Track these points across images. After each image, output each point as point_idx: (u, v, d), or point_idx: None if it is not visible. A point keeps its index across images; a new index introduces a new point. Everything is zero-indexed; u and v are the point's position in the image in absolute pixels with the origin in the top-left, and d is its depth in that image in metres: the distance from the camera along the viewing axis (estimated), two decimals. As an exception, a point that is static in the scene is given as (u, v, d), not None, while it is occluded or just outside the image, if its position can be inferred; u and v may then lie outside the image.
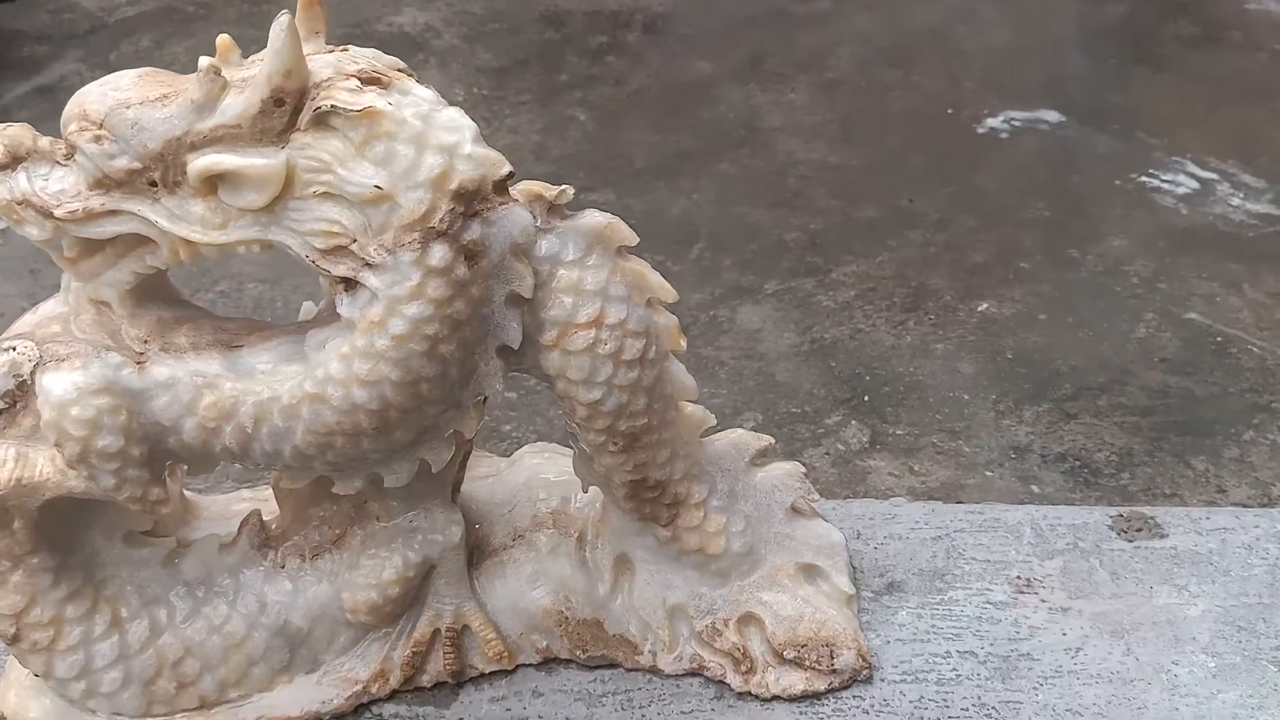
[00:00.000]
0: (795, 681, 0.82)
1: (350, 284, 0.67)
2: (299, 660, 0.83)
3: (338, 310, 0.69)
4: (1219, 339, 1.33)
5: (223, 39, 0.68)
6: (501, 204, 0.68)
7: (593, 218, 0.73)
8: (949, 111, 1.85)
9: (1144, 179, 1.66)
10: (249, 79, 0.66)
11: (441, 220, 0.65)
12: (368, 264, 0.66)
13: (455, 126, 0.67)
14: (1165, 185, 1.64)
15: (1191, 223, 1.56)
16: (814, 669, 0.82)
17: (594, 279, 0.72)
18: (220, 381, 0.70)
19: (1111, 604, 0.87)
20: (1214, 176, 1.66)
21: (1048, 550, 0.92)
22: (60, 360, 0.69)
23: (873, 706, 0.82)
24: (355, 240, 0.66)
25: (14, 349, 0.70)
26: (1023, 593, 0.89)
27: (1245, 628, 0.85)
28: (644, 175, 1.73)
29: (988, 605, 0.88)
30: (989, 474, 1.14)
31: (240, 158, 0.64)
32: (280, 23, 0.63)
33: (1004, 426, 1.20)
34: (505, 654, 0.84)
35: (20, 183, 0.68)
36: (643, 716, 0.82)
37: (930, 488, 1.11)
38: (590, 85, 2.00)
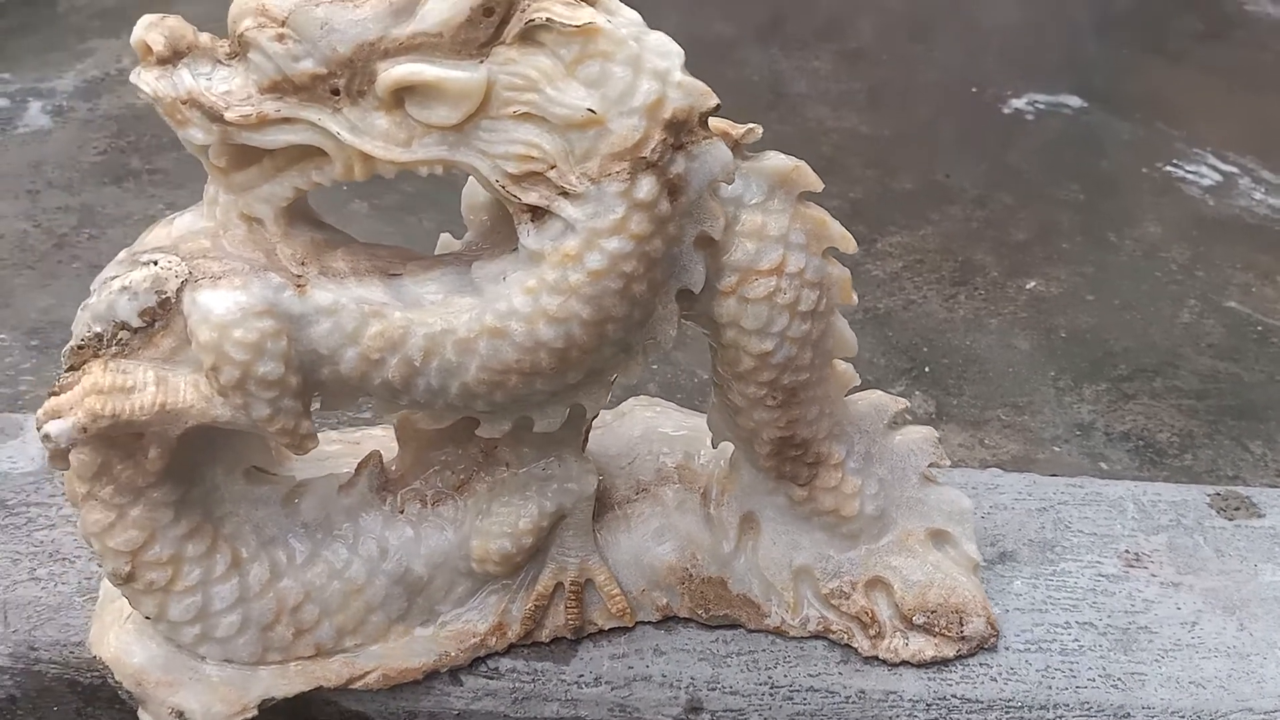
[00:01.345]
0: (924, 647, 0.81)
1: (538, 213, 0.63)
2: (415, 610, 0.79)
3: (521, 241, 0.64)
4: (1260, 328, 1.36)
5: None
6: (705, 139, 0.65)
7: (778, 159, 0.70)
8: (973, 90, 1.86)
9: (1169, 168, 1.69)
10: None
11: (653, 151, 0.62)
12: (564, 193, 0.62)
13: (666, 51, 0.63)
14: (1190, 176, 1.67)
15: (1219, 213, 1.59)
16: (943, 635, 0.81)
17: (776, 224, 0.70)
18: (388, 310, 0.65)
19: (1220, 580, 0.89)
20: (1235, 170, 1.69)
21: (1152, 526, 0.93)
22: (216, 278, 0.64)
23: (1000, 675, 0.81)
24: (553, 166, 0.62)
25: (155, 262, 0.65)
26: (1133, 566, 0.89)
27: (1351, 607, 0.87)
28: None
29: (1100, 578, 0.88)
30: (1056, 449, 1.15)
31: (440, 69, 0.60)
32: (505, -67, 0.59)
33: (1066, 403, 1.21)
34: (627, 610, 0.82)
35: (185, 80, 0.62)
36: (769, 678, 0.81)
37: (1001, 460, 1.12)
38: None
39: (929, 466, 0.83)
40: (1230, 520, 0.94)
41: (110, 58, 1.78)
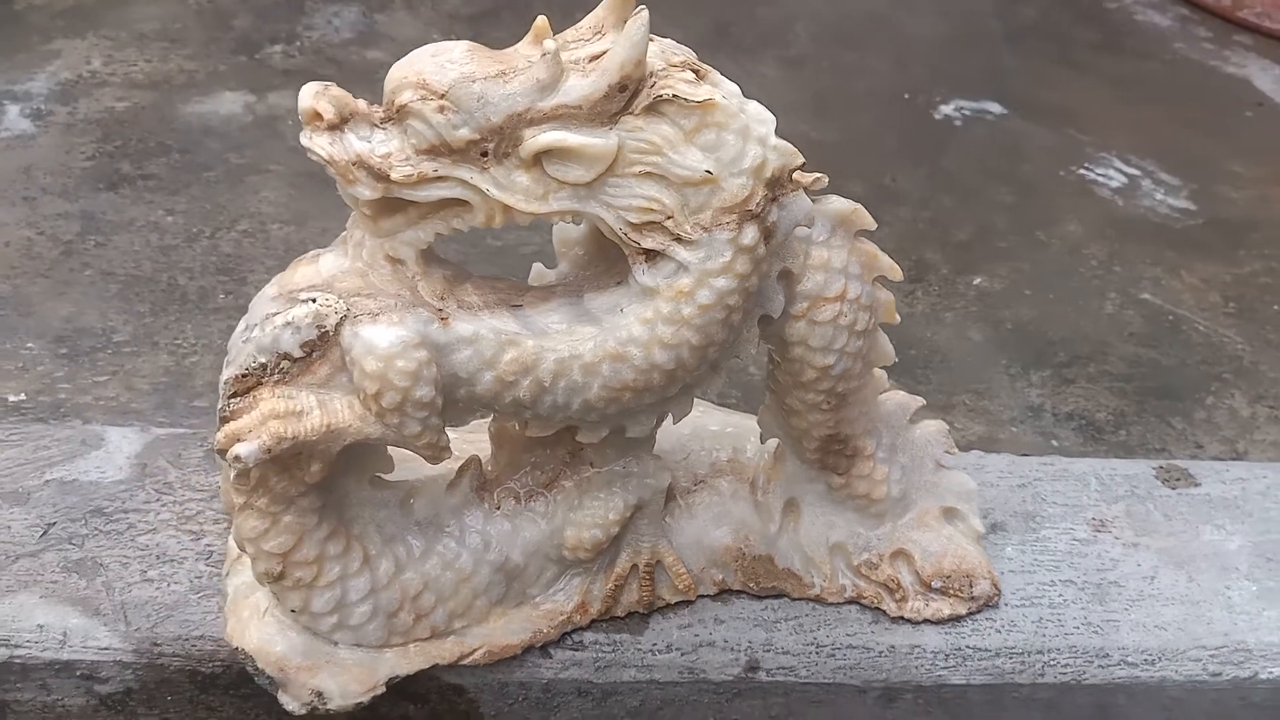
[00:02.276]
0: (942, 607, 0.96)
1: (651, 255, 0.75)
2: (512, 594, 0.89)
3: (636, 277, 0.75)
4: (1171, 317, 1.56)
5: (541, 21, 0.73)
6: (792, 190, 0.77)
7: (839, 203, 0.83)
8: (905, 96, 2.02)
9: (1082, 171, 1.88)
10: (578, 60, 0.72)
11: (756, 205, 0.74)
12: (678, 239, 0.74)
13: (764, 119, 0.75)
14: (1100, 178, 1.87)
15: (1128, 213, 1.79)
16: (956, 596, 0.96)
17: (838, 258, 0.82)
18: (521, 338, 0.75)
19: (1169, 540, 1.06)
20: (1137, 173, 1.89)
21: (1111, 496, 1.10)
22: (374, 315, 0.73)
23: (1003, 627, 0.97)
24: (670, 217, 0.73)
25: (314, 300, 0.74)
26: (1099, 531, 1.06)
27: (1273, 558, 1.05)
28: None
29: (1074, 542, 1.05)
30: (1014, 430, 1.31)
31: (580, 136, 0.70)
32: (641, 18, 0.70)
33: (1018, 389, 1.38)
34: (692, 586, 0.94)
35: (353, 144, 0.71)
36: (814, 639, 0.94)
37: (970, 440, 1.27)
38: (568, 42, 2.04)
39: (950, 452, 0.98)
40: (1173, 489, 1.11)
41: (79, 59, 1.78)
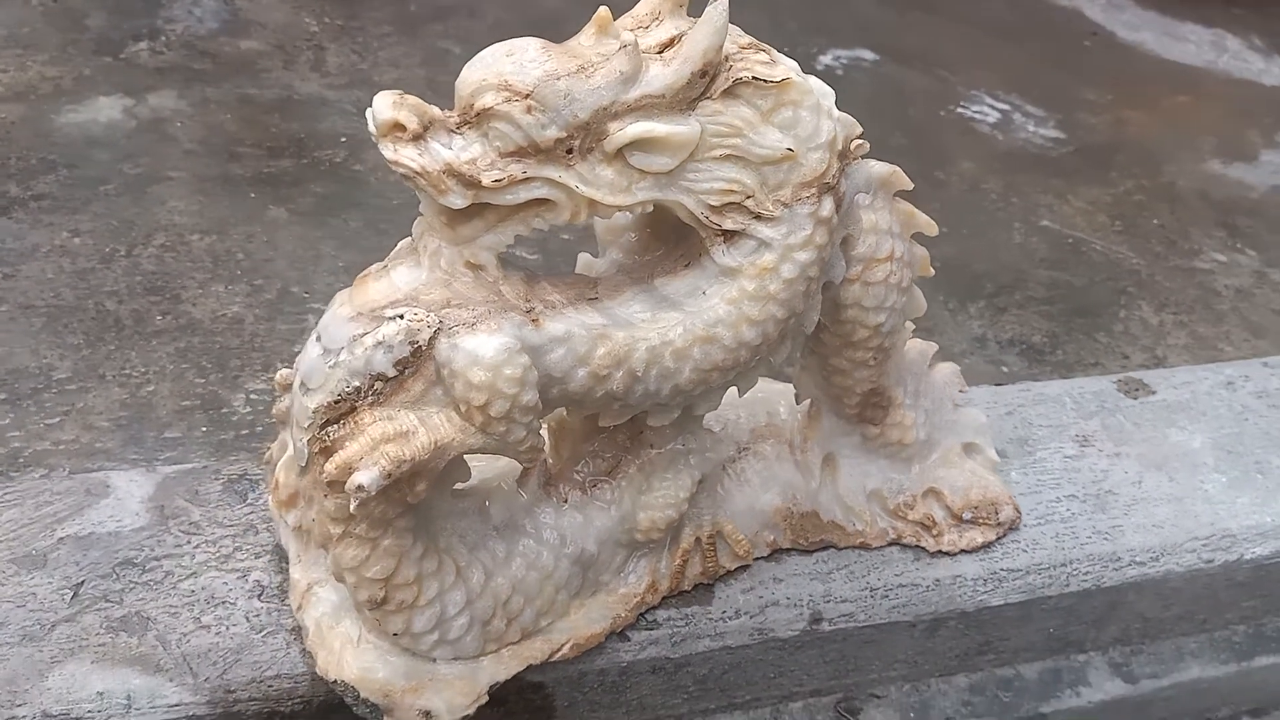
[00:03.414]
0: (975, 536, 1.02)
1: (729, 235, 0.76)
2: (587, 584, 0.89)
3: (715, 259, 0.76)
4: (1070, 240, 1.68)
5: (604, 12, 0.72)
6: (854, 160, 0.79)
7: (881, 166, 0.85)
8: (784, 49, 2.07)
9: (959, 110, 1.99)
10: (647, 49, 0.72)
11: (833, 176, 0.76)
12: (758, 217, 0.75)
13: (827, 93, 0.77)
14: (977, 115, 1.98)
15: (1009, 146, 1.91)
16: (985, 524, 1.02)
17: (884, 219, 0.85)
18: (610, 331, 0.75)
19: (1144, 446, 1.16)
20: (1007, 108, 2.02)
21: (1086, 412, 1.19)
22: (471, 325, 0.71)
23: (1028, 546, 1.04)
24: (750, 196, 0.74)
25: (402, 316, 0.71)
26: (1085, 446, 1.15)
27: (1233, 450, 1.17)
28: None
29: (1066, 459, 1.13)
30: (967, 361, 1.40)
31: (667, 125, 0.70)
32: (720, 5, 0.70)
33: (960, 322, 1.46)
34: (749, 551, 0.97)
35: (441, 152, 0.68)
36: (866, 583, 0.99)
37: (932, 377, 1.34)
38: (447, 16, 1.99)
39: (962, 390, 1.04)
40: (1135, 399, 1.21)
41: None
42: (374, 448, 0.70)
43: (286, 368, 0.88)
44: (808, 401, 0.98)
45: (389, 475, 0.69)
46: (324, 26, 1.90)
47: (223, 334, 1.27)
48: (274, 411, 0.88)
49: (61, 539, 0.90)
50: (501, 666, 0.85)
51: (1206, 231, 1.74)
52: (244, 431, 1.16)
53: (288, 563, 0.89)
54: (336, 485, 0.70)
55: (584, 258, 0.88)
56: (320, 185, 1.53)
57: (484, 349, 0.70)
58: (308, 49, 1.83)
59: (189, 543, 0.92)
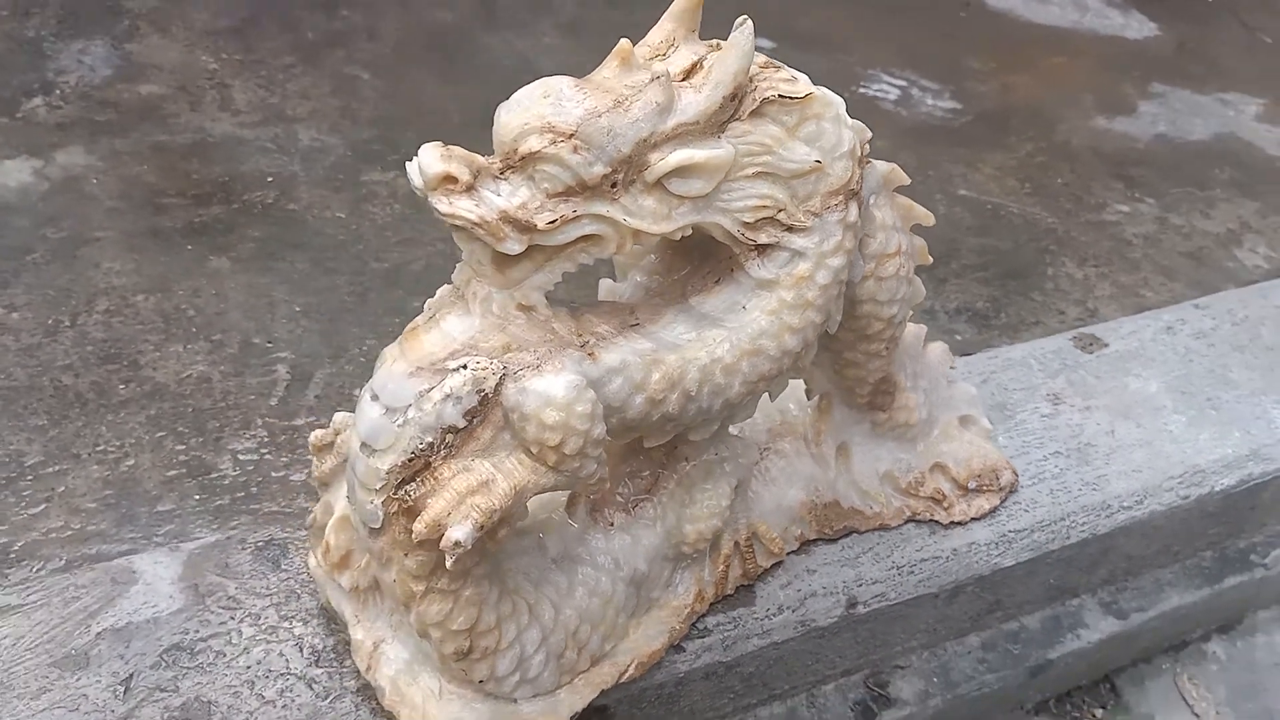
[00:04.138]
0: (981, 504, 1.08)
1: (763, 248, 0.78)
2: (641, 603, 0.91)
3: (750, 273, 0.78)
4: (989, 206, 1.76)
5: (626, 44, 0.73)
6: (867, 162, 0.83)
7: (882, 164, 0.89)
8: (687, 44, 2.10)
9: (861, 89, 2.06)
10: (675, 76, 0.73)
11: (855, 182, 0.79)
12: (790, 228, 0.78)
13: (839, 101, 0.80)
14: (878, 93, 2.05)
15: (914, 122, 1.98)
16: (989, 490, 1.08)
17: (889, 216, 0.89)
18: (661, 355, 0.77)
19: (1108, 397, 1.23)
20: (904, 83, 2.10)
21: (1052, 371, 1.26)
22: (535, 367, 0.72)
23: (1028, 506, 1.10)
24: (782, 209, 0.77)
25: (465, 366, 0.71)
26: (1057, 404, 1.22)
27: (1185, 391, 1.26)
28: (472, 128, 1.75)
29: (1043, 418, 1.20)
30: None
31: (705, 150, 0.72)
32: (746, 29, 0.72)
33: (908, 297, 1.52)
34: (783, 549, 1.00)
35: (494, 200, 0.69)
36: (893, 563, 1.03)
37: (894, 353, 1.40)
38: (347, 41, 1.95)
39: (952, 367, 1.09)
40: (1091, 354, 1.29)
41: None
42: (460, 502, 0.70)
43: (320, 428, 0.87)
44: (818, 397, 1.02)
45: (482, 527, 0.69)
46: (223, 63, 1.83)
47: (192, 396, 1.23)
48: (314, 476, 0.87)
49: (99, 634, 0.87)
50: (577, 696, 0.86)
51: (1106, 185, 1.85)
52: (239, 494, 1.12)
53: (339, 625, 0.88)
54: (429, 544, 0.70)
55: (606, 284, 0.90)
56: (256, 229, 1.49)
57: (554, 389, 0.71)
58: (211, 88, 1.77)
59: (232, 618, 0.89)
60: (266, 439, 1.19)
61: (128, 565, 0.92)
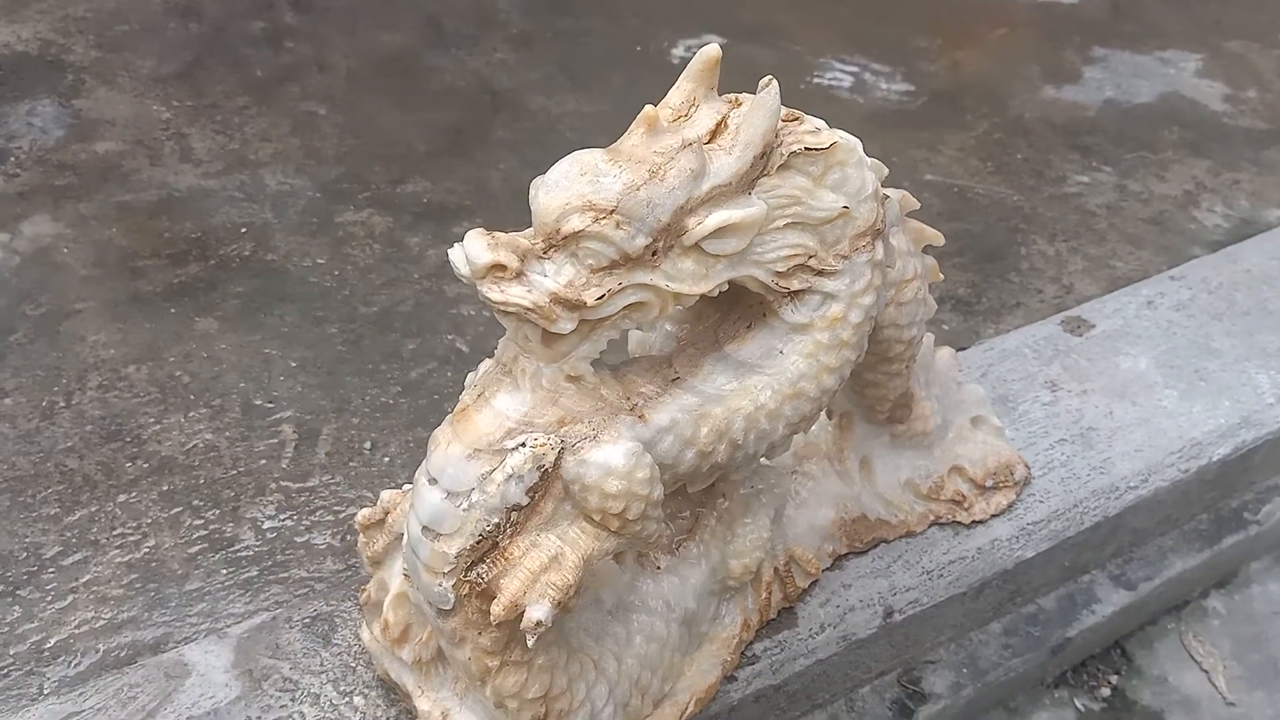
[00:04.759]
0: (1000, 500, 1.11)
1: (796, 293, 0.80)
2: (693, 639, 0.93)
3: (785, 318, 0.80)
4: (956, 189, 1.79)
5: (651, 111, 0.74)
6: (886, 197, 0.84)
7: (894, 193, 0.91)
8: (638, 49, 2.10)
9: (815, 80, 2.08)
10: (702, 138, 0.74)
11: (880, 220, 0.81)
12: (821, 273, 0.79)
13: (858, 144, 0.81)
14: (833, 82, 2.07)
15: (871, 108, 2.01)
16: (1005, 486, 1.11)
17: (903, 242, 0.91)
18: (707, 409, 0.78)
19: (1102, 379, 1.27)
20: (856, 69, 2.12)
21: (1046, 358, 1.30)
22: (592, 438, 0.73)
23: (1042, 498, 1.14)
24: (813, 255, 0.78)
25: (524, 444, 0.72)
26: (1055, 391, 1.26)
27: (1173, 365, 1.30)
28: (439, 156, 1.76)
29: (1044, 407, 1.23)
30: (910, 328, 1.48)
31: (740, 210, 0.74)
32: (772, 89, 0.73)
33: (891, 291, 1.54)
34: (819, 568, 1.02)
35: (544, 284, 0.69)
36: (922, 568, 1.06)
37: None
38: (298, 75, 1.92)
39: (960, 371, 1.12)
40: (1080, 336, 1.33)
41: None
42: (534, 580, 0.71)
43: (368, 506, 0.88)
44: (838, 415, 1.04)
45: (559, 604, 0.71)
46: (175, 110, 1.80)
47: (202, 466, 1.22)
48: (366, 556, 0.87)
49: (162, 732, 0.87)
50: (644, 741, 0.88)
51: (1064, 157, 1.90)
52: (266, 564, 1.12)
53: (399, 695, 0.89)
54: (505, 624, 0.71)
55: (635, 335, 0.91)
56: (238, 284, 1.47)
57: (614, 459, 0.72)
58: (168, 138, 1.74)
59: (292, 700, 0.90)
60: (284, 503, 1.19)
61: (179, 658, 0.92)
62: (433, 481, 0.74)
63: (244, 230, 1.56)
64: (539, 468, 0.72)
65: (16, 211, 1.55)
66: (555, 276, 0.70)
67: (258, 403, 1.31)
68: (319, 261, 1.52)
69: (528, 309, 0.68)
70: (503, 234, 0.70)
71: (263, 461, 1.24)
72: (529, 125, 1.85)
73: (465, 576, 0.72)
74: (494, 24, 2.14)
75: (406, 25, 2.11)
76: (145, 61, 1.92)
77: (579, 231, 0.69)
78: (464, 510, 0.72)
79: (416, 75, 1.96)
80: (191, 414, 1.28)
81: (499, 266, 0.68)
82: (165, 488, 1.19)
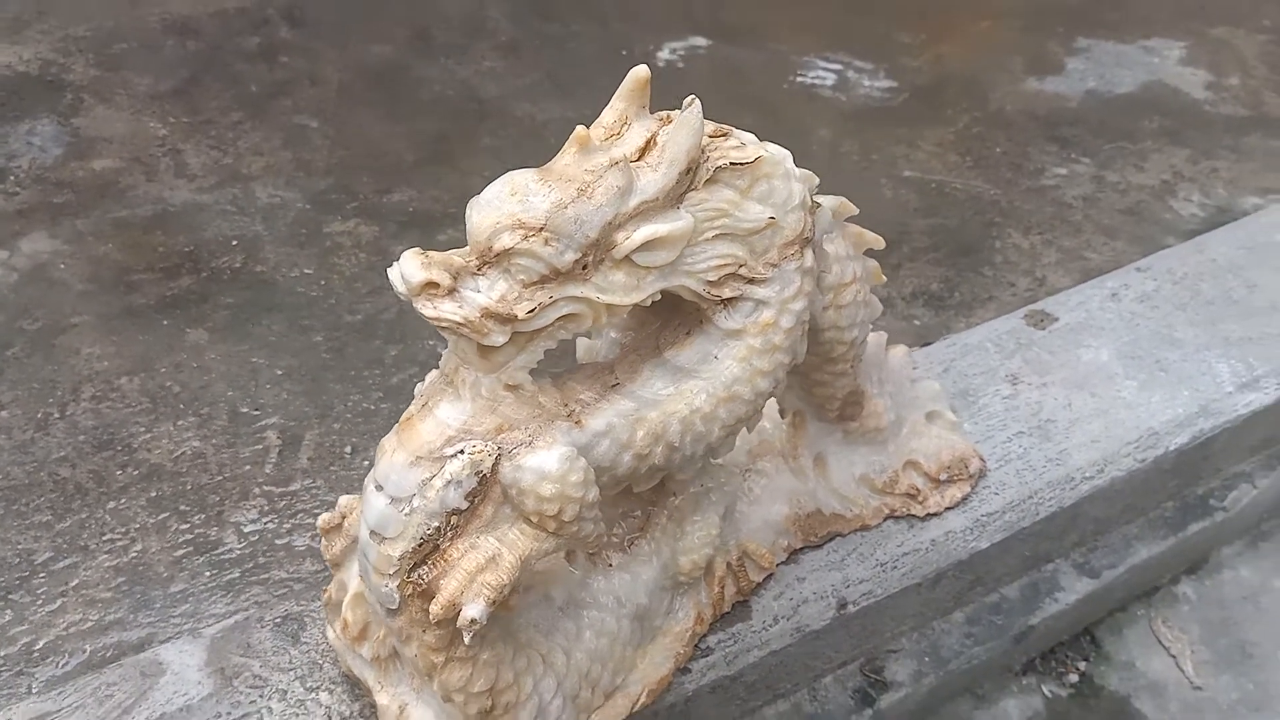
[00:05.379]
0: (954, 493, 1.14)
1: (728, 301, 0.83)
2: (646, 633, 0.97)
3: (718, 324, 0.83)
4: (934, 184, 1.82)
5: (582, 131, 0.78)
6: (815, 206, 0.88)
7: (831, 200, 0.94)
8: (624, 53, 2.13)
9: (798, 79, 2.10)
10: (631, 156, 0.78)
11: (808, 229, 0.84)
12: (752, 280, 0.83)
13: (786, 156, 0.84)
14: (816, 81, 2.10)
15: (853, 106, 2.03)
16: (960, 479, 1.14)
17: (841, 247, 0.94)
18: (643, 413, 0.82)
19: (1063, 371, 1.30)
20: (839, 67, 2.14)
21: (1007, 352, 1.32)
22: (528, 444, 0.77)
23: (998, 489, 1.16)
24: (743, 265, 0.82)
25: (462, 451, 0.76)
26: (1015, 384, 1.28)
27: (1134, 356, 1.32)
28: (425, 165, 1.80)
29: (1004, 400, 1.26)
30: (882, 323, 1.51)
31: (665, 224, 0.77)
32: (694, 109, 0.77)
33: (865, 288, 1.57)
34: (772, 561, 1.06)
35: (475, 299, 0.73)
36: (876, 560, 1.09)
37: (857, 346, 1.46)
38: (290, 91, 1.97)
39: (913, 368, 1.15)
40: (1044, 330, 1.36)
41: None
42: (471, 580, 0.75)
43: (326, 511, 0.92)
44: (791, 413, 1.07)
45: (494, 603, 0.74)
46: (171, 127, 1.85)
47: (189, 473, 1.27)
48: (326, 557, 0.92)
49: (138, 729, 0.91)
50: (595, 731, 0.92)
51: (1042, 149, 1.91)
52: (248, 566, 1.17)
53: (362, 690, 0.94)
54: (446, 622, 0.75)
55: (584, 342, 0.94)
56: (229, 296, 1.52)
57: (548, 464, 0.76)
58: (164, 155, 1.79)
59: (260, 696, 0.94)
60: (266, 507, 1.24)
61: (154, 657, 0.96)
62: (379, 488, 0.78)
63: (235, 243, 1.61)
64: (477, 473, 0.76)
65: (15, 229, 1.61)
66: (488, 292, 0.74)
67: (244, 410, 1.35)
68: (306, 272, 1.57)
69: (459, 324, 0.72)
70: (437, 253, 0.74)
71: (247, 467, 1.28)
72: (514, 132, 1.89)
73: (409, 578, 0.76)
74: (483, 32, 2.18)
75: (398, 37, 2.15)
76: (143, 79, 1.97)
77: (509, 249, 0.73)
78: (406, 515, 0.76)
79: (406, 86, 2.01)
80: (180, 422, 1.33)
81: (432, 284, 0.72)
82: (153, 494, 1.24)
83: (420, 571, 0.76)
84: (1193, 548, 1.38)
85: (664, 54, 2.13)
